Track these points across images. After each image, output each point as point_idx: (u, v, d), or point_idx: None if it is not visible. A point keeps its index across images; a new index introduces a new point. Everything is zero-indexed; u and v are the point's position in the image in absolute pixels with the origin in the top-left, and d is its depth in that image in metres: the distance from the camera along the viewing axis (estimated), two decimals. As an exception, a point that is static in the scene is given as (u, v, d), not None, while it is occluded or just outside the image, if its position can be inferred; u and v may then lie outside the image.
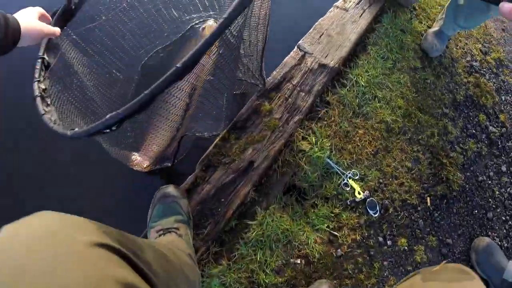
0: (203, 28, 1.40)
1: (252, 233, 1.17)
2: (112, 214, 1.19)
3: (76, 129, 0.70)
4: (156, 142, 1.00)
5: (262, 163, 1.19)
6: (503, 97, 1.78)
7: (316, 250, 1.24)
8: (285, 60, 1.34)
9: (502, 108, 1.75)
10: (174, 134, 0.98)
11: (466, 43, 1.82)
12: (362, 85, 1.38)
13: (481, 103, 1.68)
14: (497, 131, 1.67)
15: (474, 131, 1.61)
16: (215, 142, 1.25)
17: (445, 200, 1.47)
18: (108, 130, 0.59)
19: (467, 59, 1.77)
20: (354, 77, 1.37)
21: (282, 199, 1.25)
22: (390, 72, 1.47)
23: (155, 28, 1.47)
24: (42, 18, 0.81)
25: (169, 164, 1.21)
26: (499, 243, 1.55)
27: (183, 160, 1.30)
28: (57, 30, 0.84)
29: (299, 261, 1.23)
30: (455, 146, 1.53)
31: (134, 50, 1.44)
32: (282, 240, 1.22)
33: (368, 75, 1.40)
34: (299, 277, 1.22)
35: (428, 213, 1.43)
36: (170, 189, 1.06)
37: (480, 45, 1.86)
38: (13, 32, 0.69)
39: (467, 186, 1.53)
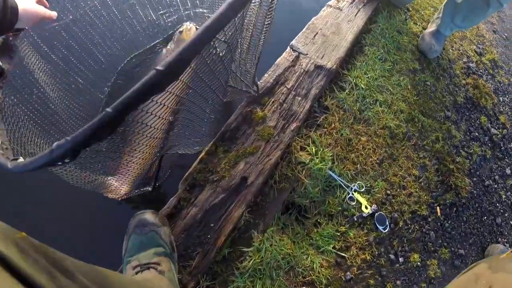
0: (180, 32, 1.24)
1: (249, 262, 1.00)
2: (80, 245, 1.00)
3: (20, 159, 0.52)
4: (134, 164, 0.82)
5: (256, 179, 1.03)
6: (501, 98, 1.72)
7: (322, 275, 1.08)
8: (277, 61, 1.20)
9: (501, 109, 1.69)
10: (155, 155, 0.81)
11: (461, 45, 1.76)
12: (362, 88, 1.26)
13: (481, 104, 1.60)
14: (498, 133, 1.60)
15: (477, 134, 1.52)
16: (200, 156, 1.09)
17: (454, 209, 1.36)
18: (59, 163, 0.42)
19: (464, 60, 1.70)
20: (353, 80, 1.25)
21: (281, 219, 1.09)
22: (390, 74, 1.36)
23: (129, 32, 1.30)
24: (39, 2, 0.82)
25: (150, 189, 1.03)
26: (510, 248, 1.46)
27: (163, 179, 1.13)
28: (53, 14, 0.84)
29: (303, 290, 1.07)
30: (460, 151, 1.44)
31: (106, 57, 1.26)
32: (284, 266, 1.05)
33: (368, 78, 1.28)
34: (305, 308, 1.06)
35: (439, 223, 1.31)
36: (147, 215, 0.88)
37: (474, 46, 1.81)
38: (12, 13, 0.70)
39: (475, 192, 1.43)
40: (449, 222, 1.34)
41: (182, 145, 0.92)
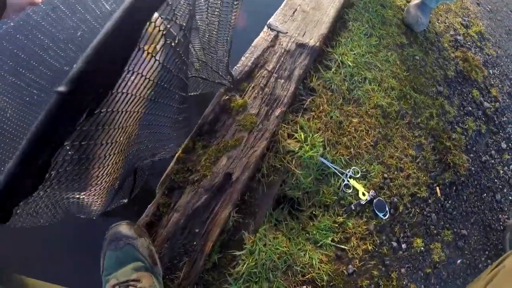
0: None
1: (242, 266, 0.90)
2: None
3: None
4: (102, 177, 0.70)
5: (242, 175, 0.92)
6: (491, 71, 1.66)
7: (323, 271, 0.99)
8: (255, 42, 1.09)
9: (492, 82, 1.63)
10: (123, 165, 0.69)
11: (447, 17, 1.69)
12: (349, 65, 1.16)
13: (472, 78, 1.54)
14: (491, 106, 1.54)
15: (470, 108, 1.46)
16: (176, 155, 0.97)
17: (454, 188, 1.29)
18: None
19: (451, 33, 1.63)
20: (339, 57, 1.15)
21: (273, 215, 1.00)
22: (376, 50, 1.27)
23: (85, 29, 1.14)
24: None
25: (125, 201, 0.91)
26: None
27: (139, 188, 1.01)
28: None
29: (304, 289, 0.98)
30: (455, 127, 1.37)
31: (60, 60, 1.09)
32: (281, 266, 0.96)
33: (354, 54, 1.19)
34: (307, 309, 0.97)
35: (439, 204, 1.24)
36: (121, 227, 0.78)
37: (460, 19, 1.74)
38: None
39: (473, 169, 1.37)
40: (449, 202, 1.27)
41: (152, 151, 0.80)
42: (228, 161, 0.94)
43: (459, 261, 1.30)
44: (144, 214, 0.92)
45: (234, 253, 0.92)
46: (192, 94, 1.02)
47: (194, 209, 0.90)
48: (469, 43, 1.65)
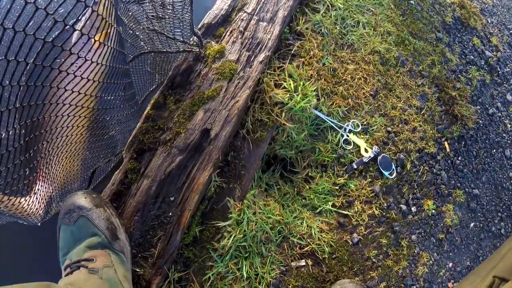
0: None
1: (229, 239, 0.76)
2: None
3: None
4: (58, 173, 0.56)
5: (222, 130, 0.77)
6: (489, 19, 1.54)
7: (324, 241, 0.85)
8: (228, -20, 0.93)
9: (491, 31, 1.51)
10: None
11: (439, -38, 1.56)
12: (340, 8, 1.01)
13: (471, 25, 1.41)
14: (493, 55, 1.42)
15: (472, 57, 1.33)
16: (144, 113, 0.81)
17: (463, 142, 1.16)
18: None
19: (444, -22, 1.50)
20: (327, -1, 1.00)
21: (262, 179, 0.85)
22: (368, -7, 1.13)
23: None
24: None
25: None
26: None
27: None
28: None
29: (303, 263, 0.85)
30: (459, 76, 1.24)
31: None
32: (274, 238, 0.81)
33: (344, -4, 1.04)
34: (309, 284, 0.83)
35: (449, 161, 1.11)
36: (76, 197, 0.63)
37: (452, -36, 1.61)
38: None
39: (480, 122, 1.24)
40: (459, 158, 1.14)
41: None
42: (205, 115, 0.78)
43: (472, 224, 1.18)
44: (110, 182, 0.76)
45: (218, 224, 0.77)
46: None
47: (168, 174, 0.74)
48: (464, -10, 1.53)
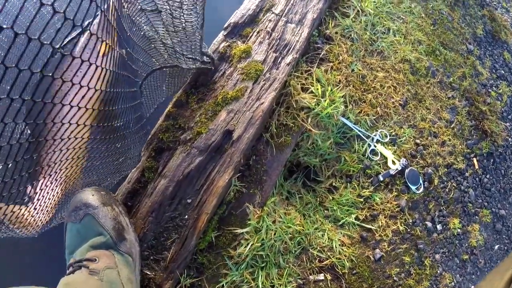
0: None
1: (246, 247, 0.72)
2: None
3: None
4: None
5: (245, 132, 0.74)
6: (519, 33, 1.49)
7: (345, 256, 0.80)
8: (259, -20, 0.90)
9: (522, 45, 1.46)
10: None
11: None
12: (370, 13, 0.98)
13: (502, 39, 1.36)
14: (524, 71, 1.36)
15: (503, 72, 1.28)
16: (166, 110, 0.78)
17: (492, 160, 1.11)
18: None
19: (475, -11, 1.46)
20: (358, 4, 0.97)
21: (284, 186, 0.81)
22: (398, 0, 1.09)
23: None
24: None
25: None
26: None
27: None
28: None
29: (322, 277, 0.80)
30: (489, 90, 1.19)
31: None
32: (293, 249, 0.77)
33: (374, 2, 1.01)
34: (326, 302, 0.78)
35: (477, 179, 1.05)
36: (84, 194, 0.60)
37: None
38: None
39: (510, 139, 1.19)
40: (487, 176, 1.08)
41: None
42: (228, 116, 0.75)
43: (496, 246, 1.12)
44: (126, 180, 0.73)
45: (236, 231, 0.73)
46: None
47: (186, 174, 0.71)
48: (494, 3, 1.48)
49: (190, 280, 0.72)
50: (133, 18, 0.60)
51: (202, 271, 0.74)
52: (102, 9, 0.36)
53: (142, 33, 0.66)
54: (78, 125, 0.42)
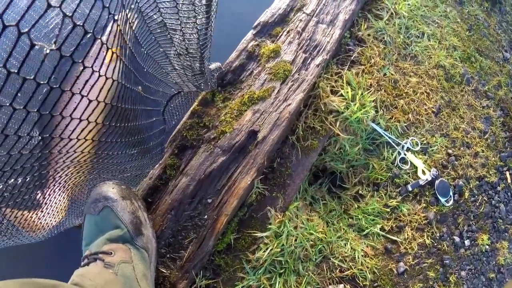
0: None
1: (265, 252, 0.69)
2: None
3: None
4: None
5: (270, 134, 0.71)
6: (558, 43, 1.41)
7: (367, 267, 0.77)
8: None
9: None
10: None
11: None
12: (404, 16, 0.94)
13: (540, 47, 1.29)
14: (562, 83, 1.29)
15: (540, 83, 1.21)
16: (191, 108, 0.77)
17: (526, 175, 1.04)
18: None
19: (513, -5, 1.39)
20: (392, 6, 0.93)
21: (308, 191, 0.78)
22: (433, 4, 1.05)
23: None
24: None
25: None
26: None
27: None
28: None
29: (342, 288, 0.76)
30: (526, 101, 1.13)
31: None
32: (314, 257, 0.74)
33: (409, 5, 0.97)
34: (345, 314, 0.75)
35: (509, 193, 1.00)
36: (104, 187, 0.59)
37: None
38: None
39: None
40: (520, 192, 1.02)
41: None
42: (253, 116, 0.73)
43: (525, 266, 1.05)
44: (148, 176, 0.72)
45: (255, 234, 0.71)
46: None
47: (208, 174, 0.69)
48: (534, 11, 1.41)
49: (206, 282, 0.70)
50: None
51: (218, 273, 0.72)
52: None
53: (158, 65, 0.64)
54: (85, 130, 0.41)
